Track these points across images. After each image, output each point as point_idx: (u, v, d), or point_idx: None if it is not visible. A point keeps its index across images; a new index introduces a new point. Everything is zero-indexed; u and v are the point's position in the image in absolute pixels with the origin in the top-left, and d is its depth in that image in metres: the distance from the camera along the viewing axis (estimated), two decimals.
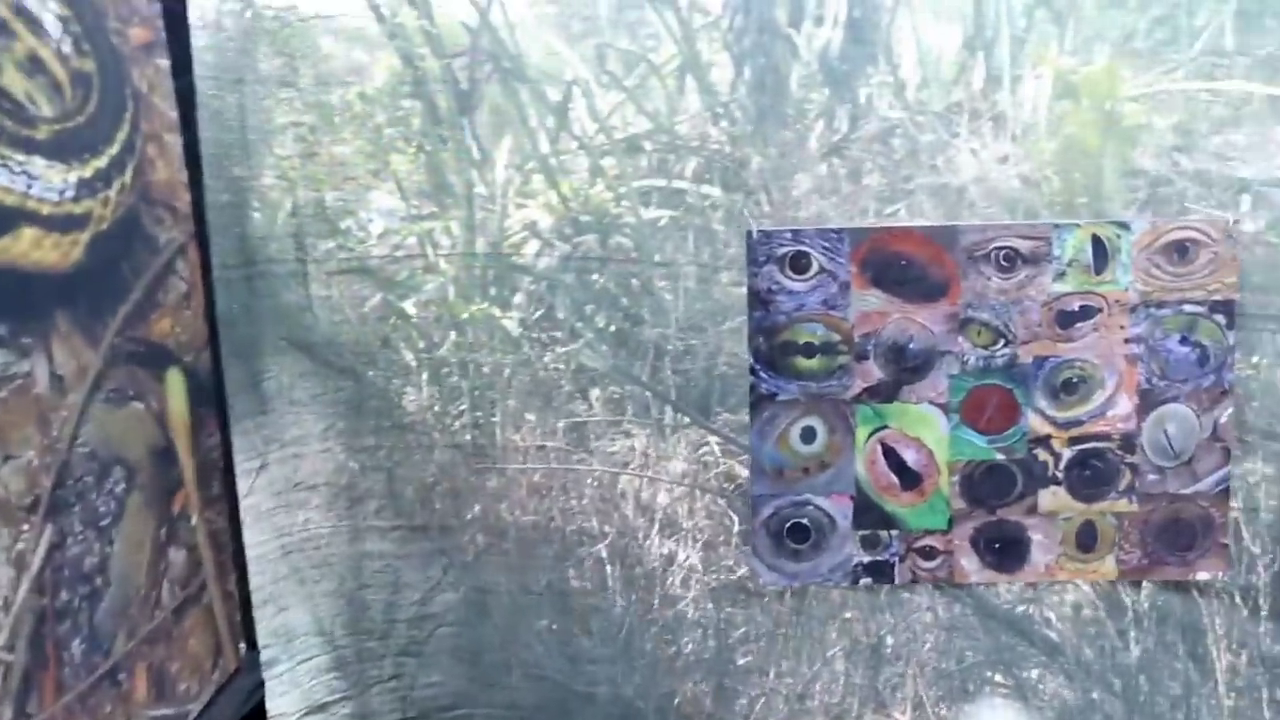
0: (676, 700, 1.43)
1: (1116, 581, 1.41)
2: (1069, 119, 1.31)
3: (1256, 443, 1.41)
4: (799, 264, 1.37)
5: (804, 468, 1.42)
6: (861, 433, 1.42)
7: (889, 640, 1.40)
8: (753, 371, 1.37)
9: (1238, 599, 1.39)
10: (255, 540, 1.41)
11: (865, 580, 1.40)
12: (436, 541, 1.42)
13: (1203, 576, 1.40)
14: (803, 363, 1.39)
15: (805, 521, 1.43)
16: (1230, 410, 1.37)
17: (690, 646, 1.43)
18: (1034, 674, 1.43)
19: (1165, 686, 1.42)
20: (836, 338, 1.37)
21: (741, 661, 1.44)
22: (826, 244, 1.37)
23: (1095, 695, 1.42)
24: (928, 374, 1.38)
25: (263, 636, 1.42)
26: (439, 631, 1.44)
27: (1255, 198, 1.32)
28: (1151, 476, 1.40)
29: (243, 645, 1.41)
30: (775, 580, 1.40)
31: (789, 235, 1.37)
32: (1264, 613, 1.40)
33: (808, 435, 1.43)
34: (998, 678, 1.42)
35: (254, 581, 1.40)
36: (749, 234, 1.37)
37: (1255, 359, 1.40)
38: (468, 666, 1.44)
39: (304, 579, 1.45)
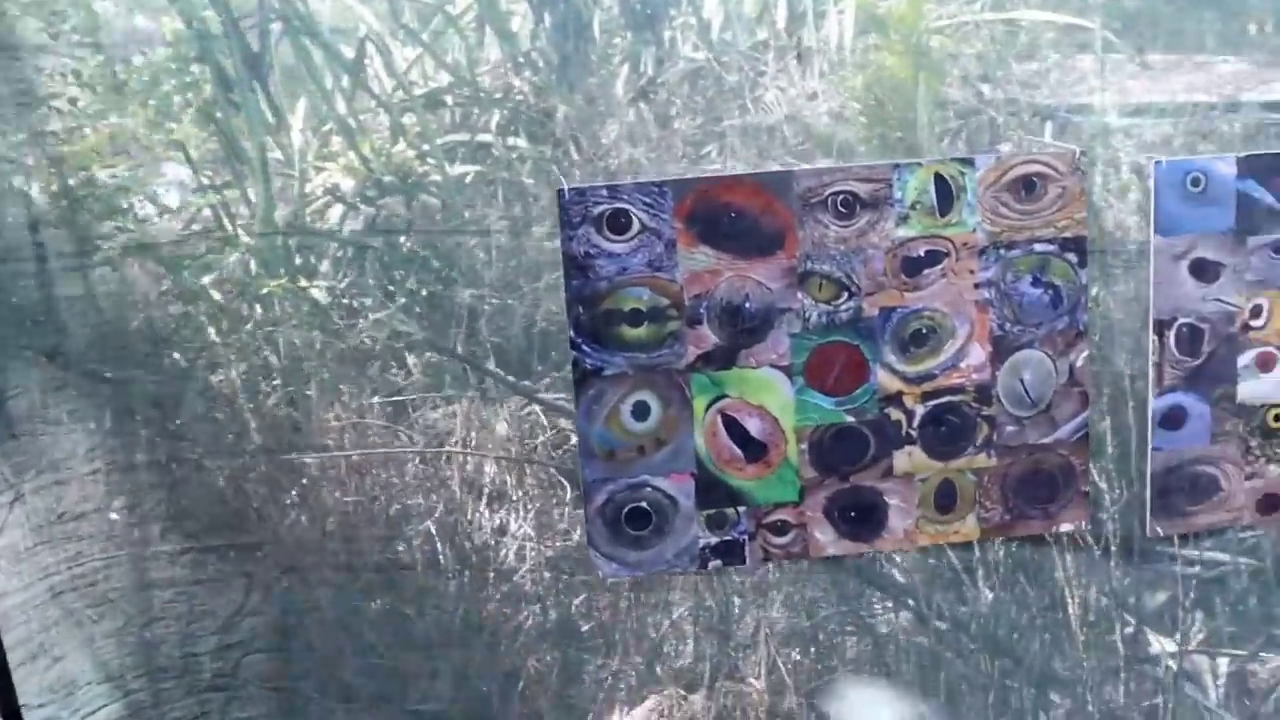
0: (521, 678, 1.54)
1: (980, 542, 1.54)
2: (876, 53, 1.39)
3: (1103, 379, 1.59)
4: (618, 223, 1.45)
5: (638, 447, 1.56)
6: (699, 404, 1.54)
7: (736, 601, 1.51)
8: (574, 345, 1.45)
9: (1088, 537, 1.60)
10: (14, 586, 1.45)
11: (714, 563, 1.52)
12: (235, 562, 1.49)
13: (1065, 528, 1.54)
14: (629, 332, 1.49)
15: (644, 505, 1.57)
16: (1086, 353, 1.51)
17: (530, 620, 1.54)
18: (887, 624, 1.55)
19: (1019, 626, 1.55)
20: (665, 302, 1.47)
21: (585, 629, 1.54)
22: (647, 199, 1.45)
23: (951, 637, 1.56)
24: (767, 335, 1.49)
25: (36, 694, 1.48)
26: (246, 660, 1.52)
27: (1059, 124, 1.42)
28: (1009, 428, 1.56)
29: None
30: (616, 572, 1.53)
31: (605, 192, 1.45)
32: (1113, 548, 1.60)
33: (640, 411, 1.54)
34: (850, 629, 1.54)
35: (14, 635, 1.45)
36: (560, 193, 1.44)
37: (1099, 295, 1.60)
38: (282, 694, 1.53)
39: (81, 621, 1.51)
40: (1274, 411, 1.65)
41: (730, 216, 1.50)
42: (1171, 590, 1.68)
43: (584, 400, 1.53)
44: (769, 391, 1.54)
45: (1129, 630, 1.67)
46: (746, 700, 1.64)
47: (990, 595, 1.61)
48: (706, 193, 1.49)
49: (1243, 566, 1.70)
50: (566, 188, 1.48)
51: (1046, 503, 1.60)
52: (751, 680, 1.60)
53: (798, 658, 1.61)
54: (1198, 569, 1.69)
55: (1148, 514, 1.64)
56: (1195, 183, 1.56)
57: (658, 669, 1.59)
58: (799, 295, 1.51)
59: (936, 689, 1.63)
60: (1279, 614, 1.70)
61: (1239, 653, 1.71)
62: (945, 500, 1.59)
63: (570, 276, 1.50)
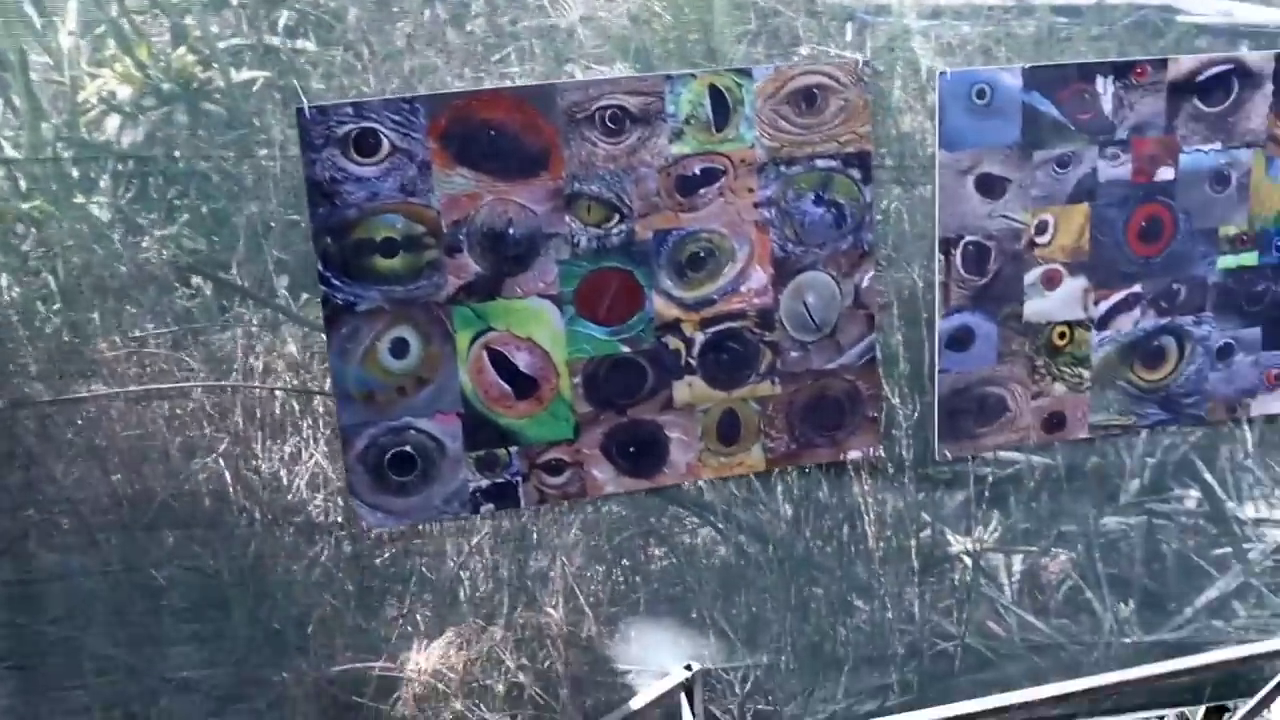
0: (316, 614, 1.60)
1: (766, 473, 1.80)
2: None
3: (890, 294, 1.78)
4: (365, 144, 1.50)
5: (399, 387, 1.66)
6: (463, 339, 1.65)
7: (533, 527, 1.61)
8: (323, 279, 1.49)
9: (881, 450, 1.85)
10: None
11: (487, 507, 1.61)
12: None
13: (854, 455, 1.68)
14: (383, 263, 1.56)
15: (408, 450, 1.66)
16: (871, 274, 1.62)
17: (326, 553, 1.59)
18: (688, 539, 1.71)
19: (820, 537, 1.83)
20: (421, 229, 1.53)
21: (380, 562, 1.60)
22: (397, 117, 1.49)
23: (752, 552, 1.76)
24: (533, 262, 1.57)
25: None
26: None
27: (858, 26, 1.50)
28: (794, 354, 1.67)
29: None
30: (382, 522, 1.61)
31: (350, 110, 1.47)
32: (907, 462, 1.85)
33: (399, 349, 1.65)
34: (650, 549, 1.65)
35: None
36: (299, 112, 1.46)
37: (883, 213, 1.76)
38: (23, 676, 1.55)
39: None
40: (1059, 329, 1.82)
41: (489, 135, 1.56)
42: (966, 491, 1.84)
43: (336, 339, 1.58)
44: (537, 323, 1.63)
45: (925, 535, 1.83)
46: (545, 630, 1.73)
47: (790, 510, 1.74)
48: (462, 109, 1.54)
49: (1035, 464, 1.87)
50: (307, 106, 1.50)
51: (834, 429, 1.74)
52: (549, 609, 1.70)
53: (596, 586, 1.72)
54: (991, 470, 1.87)
55: (935, 438, 1.78)
56: (980, 95, 1.68)
57: (459, 597, 1.68)
58: (566, 219, 1.59)
59: (739, 605, 1.76)
60: (1069, 510, 1.88)
61: (1031, 549, 1.89)
62: (729, 431, 1.72)
63: (315, 204, 1.53)
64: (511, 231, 1.64)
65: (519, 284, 1.67)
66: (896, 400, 1.86)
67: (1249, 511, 1.98)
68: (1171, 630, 2.01)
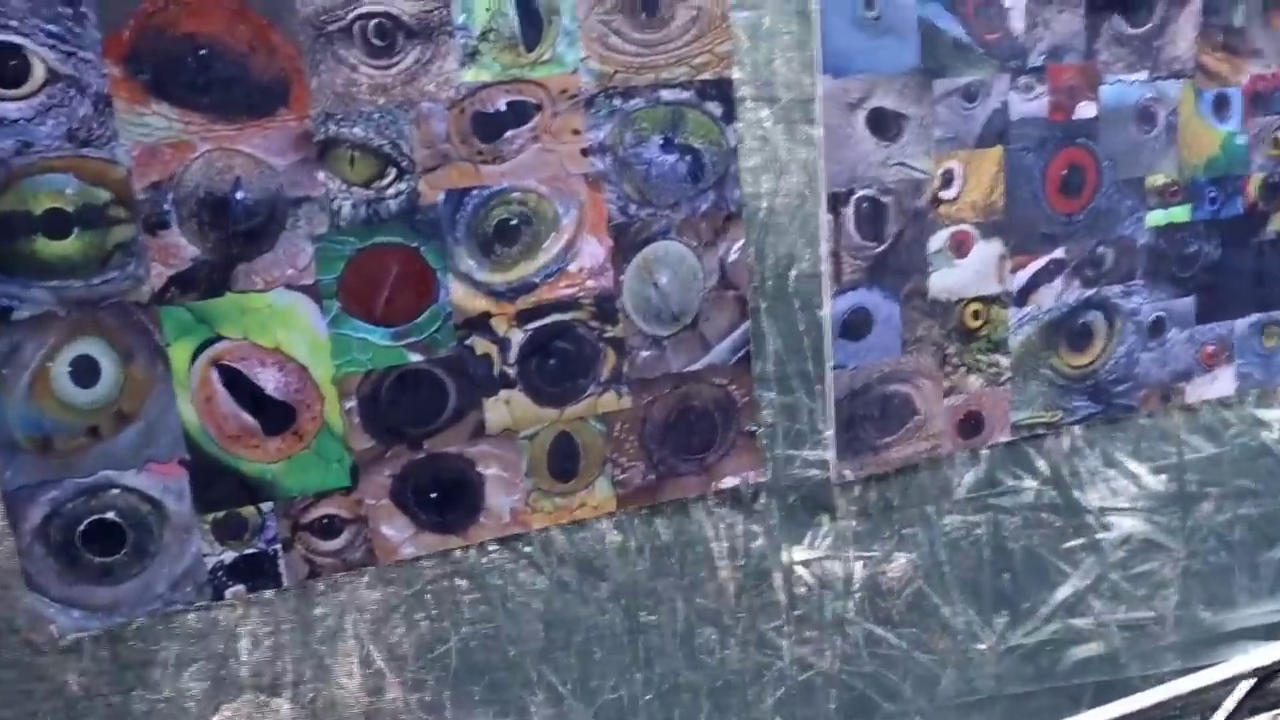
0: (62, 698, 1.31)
1: (618, 515, 1.48)
2: None
3: (764, 269, 1.49)
4: (5, 68, 1.18)
5: (89, 429, 1.28)
6: (180, 353, 1.30)
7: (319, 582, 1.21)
8: None
9: (766, 475, 1.56)
10: None
11: (235, 590, 1.20)
12: None
13: (729, 483, 1.29)
14: (49, 247, 1.23)
15: (111, 517, 1.30)
16: (740, 243, 1.28)
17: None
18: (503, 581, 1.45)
19: (661, 573, 1.57)
20: (104, 195, 1.24)
21: (135, 626, 1.34)
22: (54, 28, 1.05)
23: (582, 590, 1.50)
24: (275, 240, 1.30)
25: None
26: None
27: None
28: (645, 353, 1.48)
29: None
30: (80, 624, 1.32)
31: None
32: (792, 500, 1.59)
33: (84, 372, 1.27)
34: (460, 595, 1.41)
35: None
36: None
37: (753, 162, 1.46)
38: None
39: None
40: (972, 307, 1.49)
41: (198, 55, 1.13)
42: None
43: None
44: (287, 326, 1.31)
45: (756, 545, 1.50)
46: (340, 704, 1.30)
47: (631, 542, 1.37)
48: (155, 17, 1.13)
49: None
50: None
51: (703, 450, 1.37)
52: (343, 679, 1.27)
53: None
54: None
55: (831, 454, 1.42)
56: (869, 4, 1.32)
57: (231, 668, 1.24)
58: (320, 176, 1.26)
59: (566, 647, 1.38)
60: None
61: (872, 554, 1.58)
62: (565, 462, 1.42)
63: None
64: (240, 196, 1.24)
65: (256, 271, 1.27)
66: (778, 406, 1.52)
67: (1093, 500, 1.78)
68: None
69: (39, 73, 1.17)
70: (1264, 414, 1.88)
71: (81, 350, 1.25)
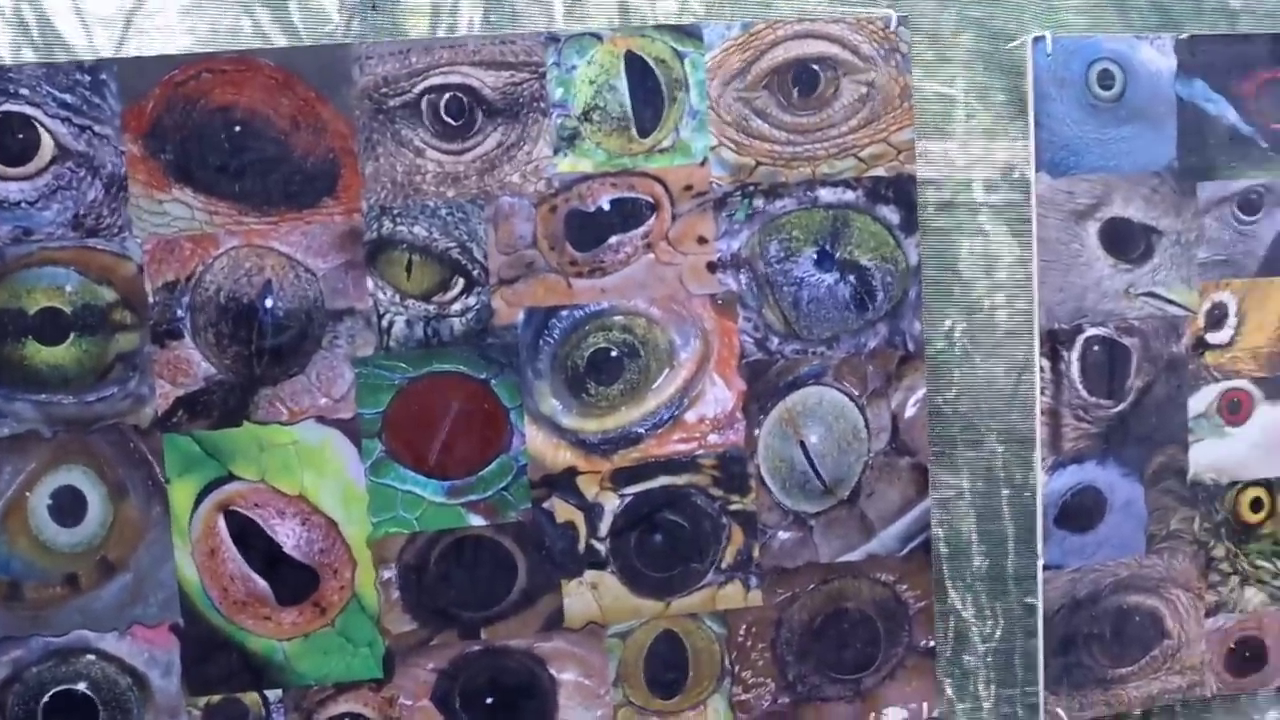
0: None
1: None
2: None
3: (954, 428, 1.30)
4: (14, 141, 1.14)
5: (67, 576, 1.18)
6: (182, 493, 1.19)
7: None
8: None
9: (939, 710, 1.27)
10: None
11: None
12: None
13: (896, 717, 1.07)
14: (39, 354, 1.16)
15: (82, 689, 1.19)
16: (922, 393, 1.10)
17: None
18: None
19: None
20: (109, 296, 1.16)
21: None
22: (70, 99, 1.15)
23: None
24: (310, 360, 1.20)
25: None
26: None
27: None
28: (784, 535, 1.27)
29: None
30: None
31: None
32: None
33: (68, 507, 1.18)
34: None
35: None
36: None
37: (942, 286, 1.28)
38: None
39: None
40: (1251, 494, 1.23)
41: (232, 131, 1.06)
42: None
43: None
44: (316, 468, 1.19)
45: None
46: None
47: None
48: (183, 85, 1.01)
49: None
50: None
51: (859, 670, 1.18)
52: None
53: None
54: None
55: (1040, 686, 1.16)
56: (1106, 81, 1.14)
57: None
58: (369, 284, 1.17)
59: None
60: None
61: None
62: (667, 672, 1.26)
63: None
64: (270, 304, 1.15)
65: (282, 398, 1.16)
66: (969, 616, 1.27)
67: None
68: None
69: (47, 148, 1.11)
70: None
71: (66, 480, 1.17)
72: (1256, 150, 1.30)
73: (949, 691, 1.30)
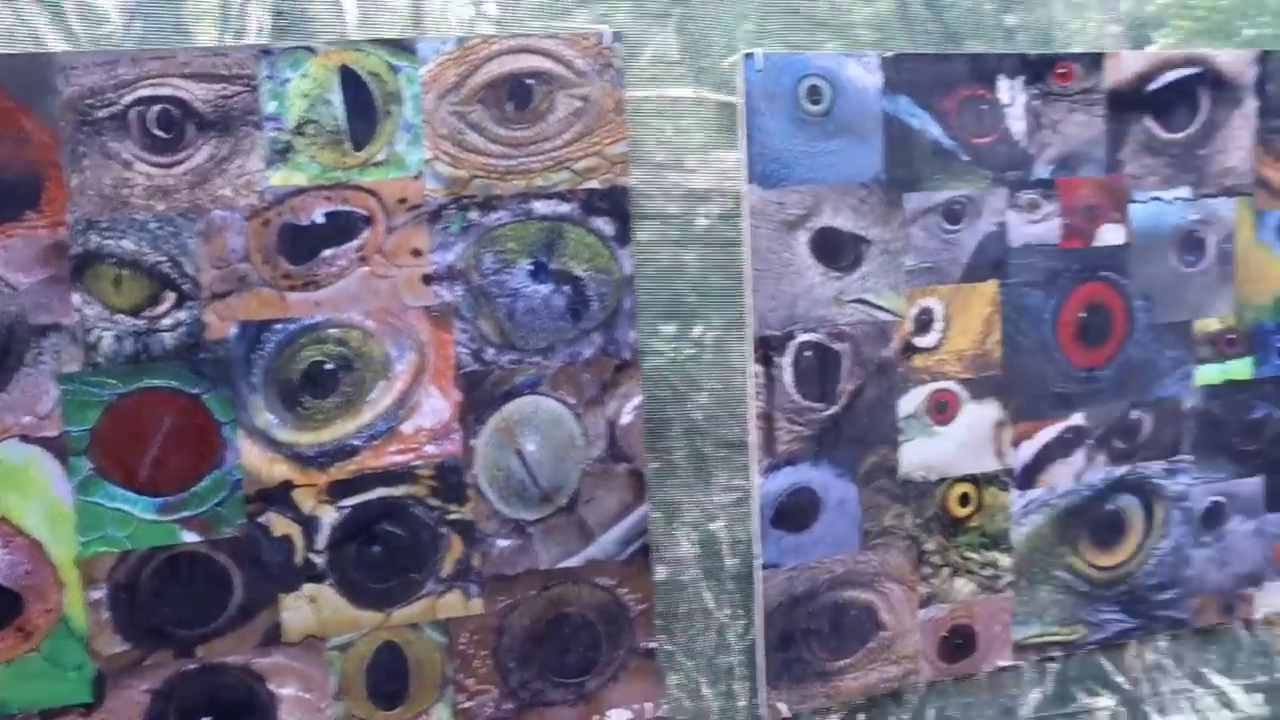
0: None
1: None
2: None
3: (674, 435, 1.46)
4: None
5: None
6: None
7: None
8: None
9: (664, 708, 1.49)
10: None
11: None
12: None
13: (618, 719, 1.21)
14: None
15: None
16: (638, 401, 1.25)
17: None
18: None
19: None
20: None
21: None
22: None
23: None
24: (11, 378, 1.28)
25: None
26: None
27: None
28: (503, 543, 1.42)
29: None
30: None
31: None
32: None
33: None
34: None
35: None
36: None
37: (655, 295, 1.44)
38: None
39: None
40: (959, 489, 1.43)
41: None
42: None
43: None
44: (19, 488, 1.27)
45: None
46: None
47: None
48: None
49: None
50: None
51: (581, 674, 1.30)
52: None
53: None
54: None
55: (760, 685, 1.35)
56: (815, 96, 1.32)
57: None
58: (75, 299, 1.25)
59: None
60: None
61: None
62: (389, 683, 1.39)
63: None
64: None
65: None
66: (688, 617, 1.49)
67: None
68: None
69: None
70: None
71: None
72: (958, 163, 1.51)
73: (672, 691, 1.46)
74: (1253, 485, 1.74)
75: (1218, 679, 1.77)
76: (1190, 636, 1.74)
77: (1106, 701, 1.70)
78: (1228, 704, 1.78)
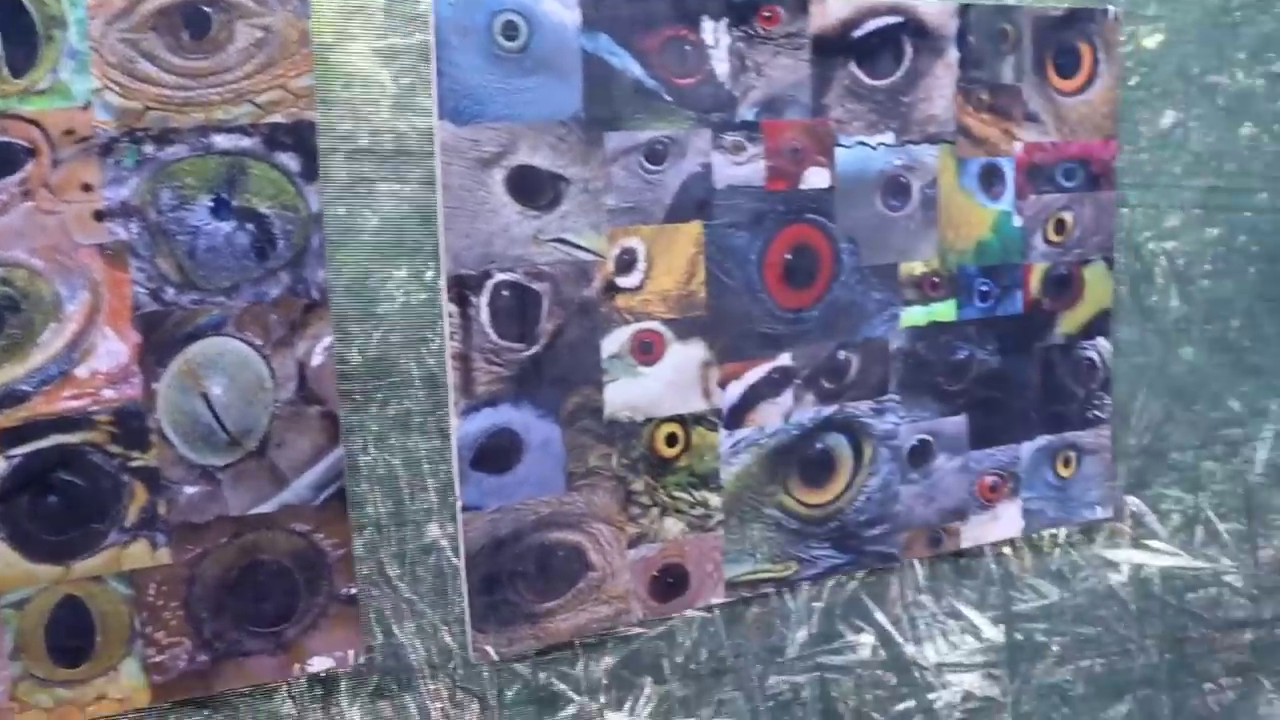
0: None
1: (152, 711, 1.37)
2: None
3: (362, 376, 1.43)
4: None
5: None
6: None
7: None
8: None
9: (365, 655, 1.45)
10: None
11: None
12: None
13: (319, 666, 1.18)
14: None
15: None
16: (328, 340, 1.21)
17: None
18: None
19: None
20: None
21: None
22: None
23: None
24: None
25: None
26: None
27: None
28: (190, 490, 1.38)
29: None
30: None
31: None
32: (422, 670, 1.38)
33: None
34: None
35: None
36: None
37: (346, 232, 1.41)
38: None
39: None
40: (666, 429, 1.44)
41: None
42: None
43: None
44: None
45: None
46: None
47: None
48: None
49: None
50: None
51: (279, 622, 1.29)
52: None
53: None
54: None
55: (467, 627, 1.33)
56: (510, 33, 1.29)
57: None
58: None
59: None
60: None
61: None
62: (72, 639, 1.33)
63: None
64: None
65: None
66: (391, 561, 1.46)
67: (930, 655, 1.82)
68: None
69: None
70: (1112, 554, 1.94)
71: None
72: (661, 103, 1.52)
73: (378, 637, 1.44)
74: (957, 424, 1.80)
75: (969, 611, 1.83)
76: (948, 572, 1.79)
77: (867, 638, 1.74)
78: (975, 634, 1.84)
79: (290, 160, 1.33)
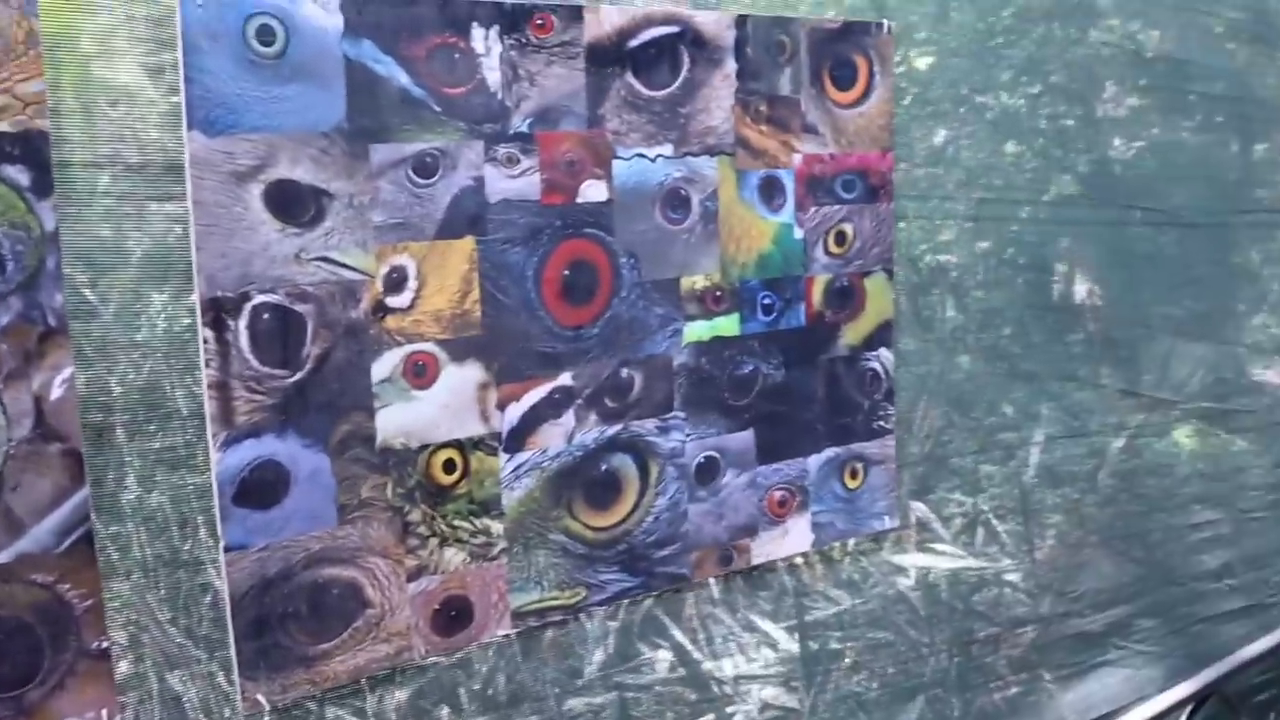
0: None
1: None
2: None
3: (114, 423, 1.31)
4: None
5: None
6: None
7: None
8: None
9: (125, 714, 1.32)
10: None
11: None
12: None
13: None
14: None
15: None
16: (69, 372, 1.09)
17: None
18: None
19: None
20: None
21: None
22: None
23: None
24: None
25: None
26: None
27: None
28: None
29: None
30: None
31: None
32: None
33: None
34: None
35: None
36: None
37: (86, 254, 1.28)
38: None
39: None
40: (443, 456, 1.37)
41: None
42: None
43: None
44: None
45: None
46: None
47: None
48: None
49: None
50: None
51: (20, 685, 1.16)
52: None
53: None
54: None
55: (235, 674, 1.22)
56: (266, 38, 1.19)
57: None
58: None
59: None
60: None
61: None
62: None
63: None
64: None
65: None
66: (149, 609, 1.37)
67: (727, 669, 1.80)
68: None
69: None
70: (900, 559, 1.96)
71: None
72: (429, 113, 1.44)
73: (135, 693, 1.32)
74: (744, 439, 1.77)
75: (764, 623, 1.81)
76: (742, 585, 1.76)
77: (665, 655, 1.69)
78: (772, 645, 1.81)
79: (19, 174, 1.22)
